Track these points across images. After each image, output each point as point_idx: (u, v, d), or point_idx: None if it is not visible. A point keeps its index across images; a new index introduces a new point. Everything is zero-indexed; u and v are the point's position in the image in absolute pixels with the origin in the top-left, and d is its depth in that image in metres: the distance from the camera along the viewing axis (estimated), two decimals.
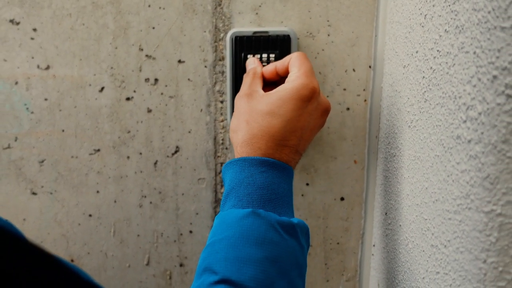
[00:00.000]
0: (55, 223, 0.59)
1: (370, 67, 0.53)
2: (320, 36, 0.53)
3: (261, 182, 0.39)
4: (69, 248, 0.60)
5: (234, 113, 0.45)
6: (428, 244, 0.34)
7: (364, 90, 0.54)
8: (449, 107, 0.30)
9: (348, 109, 0.54)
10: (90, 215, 0.59)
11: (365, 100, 0.54)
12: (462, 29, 0.29)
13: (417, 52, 0.37)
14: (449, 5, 0.31)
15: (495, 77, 0.25)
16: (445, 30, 0.31)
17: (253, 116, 0.42)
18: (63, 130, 0.57)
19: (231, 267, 0.35)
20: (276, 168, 0.40)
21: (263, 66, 0.50)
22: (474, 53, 0.27)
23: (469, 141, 0.27)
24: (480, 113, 0.26)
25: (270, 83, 0.48)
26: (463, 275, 0.28)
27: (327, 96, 0.54)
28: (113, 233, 0.59)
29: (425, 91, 0.35)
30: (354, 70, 0.54)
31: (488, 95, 0.25)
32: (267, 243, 0.36)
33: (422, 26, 0.36)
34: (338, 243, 0.58)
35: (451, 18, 0.30)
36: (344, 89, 0.54)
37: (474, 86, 0.27)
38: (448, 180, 0.30)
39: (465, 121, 0.28)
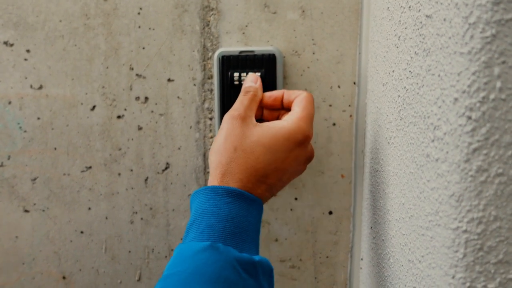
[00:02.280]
0: (47, 240, 0.60)
1: (354, 83, 0.55)
2: (305, 54, 0.55)
3: (225, 214, 0.38)
4: (61, 265, 0.61)
5: (221, 131, 0.42)
6: (406, 259, 0.35)
7: (349, 106, 0.56)
8: (420, 126, 0.32)
9: (334, 124, 0.56)
10: (82, 232, 0.60)
11: (351, 116, 0.56)
12: (429, 52, 0.30)
13: (393, 71, 0.39)
14: (418, 29, 0.32)
15: (456, 99, 0.27)
16: (415, 52, 0.33)
17: (242, 144, 0.41)
18: (55, 148, 0.58)
19: None
20: (244, 200, 0.39)
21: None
22: (439, 75, 0.29)
23: (437, 160, 0.29)
24: (445, 133, 0.28)
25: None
26: None
27: None
28: (105, 250, 0.61)
29: (400, 109, 0.37)
30: (339, 86, 0.55)
31: (451, 116, 0.27)
32: (222, 281, 0.34)
33: (397, 47, 0.38)
34: (327, 257, 0.59)
35: (420, 41, 0.32)
36: (330, 105, 0.56)
37: (440, 107, 0.29)
38: (420, 196, 0.32)
39: (433, 141, 0.30)
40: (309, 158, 0.44)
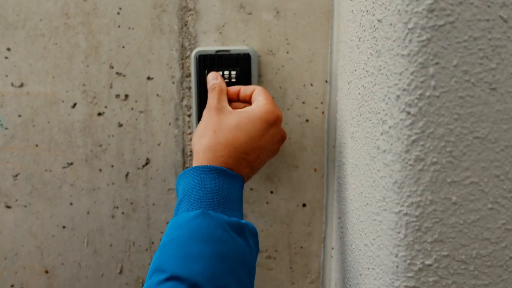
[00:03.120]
0: (29, 235, 0.63)
1: (326, 81, 0.59)
2: (280, 54, 0.59)
3: (211, 187, 0.43)
4: (43, 259, 0.64)
5: (201, 123, 0.50)
6: (363, 243, 0.39)
7: (321, 103, 0.60)
8: (373, 121, 0.36)
9: (307, 120, 0.60)
10: (64, 227, 0.63)
11: (323, 112, 0.60)
12: (380, 53, 0.35)
13: (355, 70, 0.43)
14: (372, 32, 0.37)
15: (398, 96, 0.31)
16: (370, 53, 0.37)
17: (221, 127, 0.47)
18: (36, 145, 0.62)
19: (179, 264, 0.38)
20: (227, 176, 0.45)
21: (225, 82, 0.55)
22: (386, 75, 0.33)
23: (384, 151, 0.33)
24: (390, 127, 0.32)
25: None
26: (383, 269, 0.34)
27: (287, 109, 0.60)
28: (87, 244, 0.64)
29: (360, 106, 0.41)
30: (311, 84, 0.59)
31: (394, 111, 0.31)
32: (215, 241, 0.39)
33: (358, 48, 0.42)
34: (301, 247, 0.63)
35: (373, 43, 0.36)
36: (303, 102, 0.60)
37: (386, 103, 0.33)
38: (373, 185, 0.36)
39: (382, 134, 0.34)
40: (283, 137, 0.51)
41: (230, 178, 0.44)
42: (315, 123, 0.61)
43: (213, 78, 0.54)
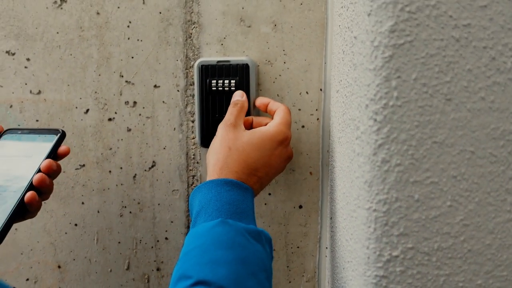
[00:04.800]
0: (44, 232, 0.70)
1: (321, 90, 0.65)
2: (277, 64, 0.65)
3: (227, 198, 0.47)
4: (56, 255, 0.70)
5: (216, 138, 0.55)
6: (345, 239, 0.44)
7: (316, 110, 0.65)
8: (351, 127, 0.42)
9: (303, 126, 0.66)
10: (75, 225, 0.70)
11: (318, 119, 0.65)
12: (356, 67, 0.40)
13: (341, 80, 0.49)
14: (351, 47, 0.42)
15: (367, 105, 0.36)
16: (350, 66, 0.43)
17: (235, 144, 0.52)
18: None
19: (204, 269, 0.40)
20: (240, 188, 0.49)
21: (224, 90, 0.61)
22: (359, 86, 0.38)
23: (358, 154, 0.38)
24: (362, 132, 0.37)
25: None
26: (358, 261, 0.39)
27: None
28: (96, 241, 0.70)
29: (343, 113, 0.46)
30: (307, 92, 0.65)
31: (364, 118, 0.37)
32: (236, 246, 0.42)
33: (343, 60, 0.47)
34: (298, 247, 0.68)
35: (352, 58, 0.42)
36: (299, 109, 0.65)
37: (359, 111, 0.38)
38: (351, 185, 0.41)
39: (356, 138, 0.39)
40: (289, 157, 0.58)
41: (243, 191, 0.49)
42: (310, 129, 0.66)
43: (239, 96, 0.61)
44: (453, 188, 0.35)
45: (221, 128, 0.55)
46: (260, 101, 0.62)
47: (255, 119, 0.61)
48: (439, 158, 0.34)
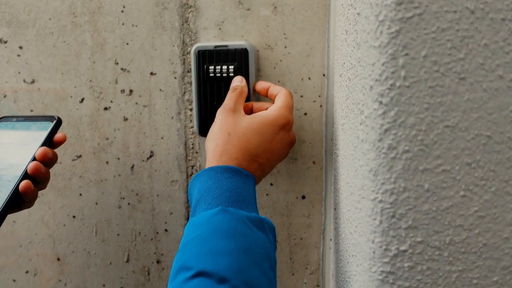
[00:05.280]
0: (42, 224, 0.67)
1: (324, 75, 0.61)
2: (278, 48, 0.61)
3: (228, 186, 0.45)
4: (55, 247, 0.68)
5: (215, 123, 0.52)
6: (349, 232, 0.41)
7: (319, 96, 0.61)
8: (355, 112, 0.38)
9: (305, 114, 0.62)
10: (74, 216, 0.67)
11: (321, 106, 0.61)
12: (359, 46, 0.36)
13: (344, 63, 0.45)
14: (354, 25, 0.38)
15: (371, 87, 0.32)
16: (353, 46, 0.39)
17: (235, 130, 0.49)
18: None
19: (205, 260, 0.38)
20: (240, 175, 0.46)
21: (223, 76, 0.58)
22: (363, 66, 0.34)
23: (362, 141, 0.35)
24: (366, 117, 0.34)
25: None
26: (363, 255, 0.35)
27: None
28: (95, 233, 0.67)
29: (347, 98, 0.43)
30: (309, 78, 0.61)
31: (369, 101, 0.33)
32: (238, 235, 0.40)
33: (346, 41, 0.43)
34: (301, 239, 0.65)
35: (355, 36, 0.38)
36: (301, 96, 0.62)
37: (363, 94, 0.34)
38: (355, 174, 0.38)
39: (360, 124, 0.35)
40: (292, 142, 0.54)
41: (244, 177, 0.46)
42: (313, 116, 0.63)
43: (238, 81, 0.57)
44: (467, 177, 0.31)
45: (220, 113, 0.52)
46: (260, 85, 0.58)
47: (255, 104, 0.58)
48: (451, 143, 0.31)
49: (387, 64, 0.30)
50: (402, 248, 0.32)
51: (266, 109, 0.55)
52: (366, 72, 0.34)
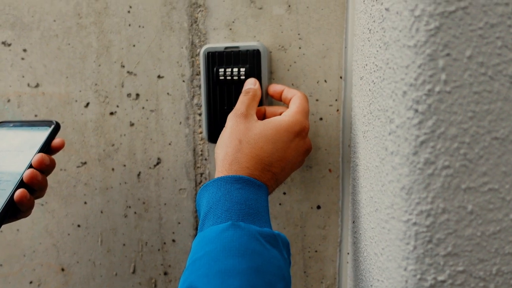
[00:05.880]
0: (46, 233, 0.64)
1: (341, 77, 0.56)
2: (291, 49, 0.56)
3: (238, 198, 0.41)
4: (59, 257, 0.64)
5: (226, 129, 0.47)
6: (373, 252, 0.36)
7: (336, 100, 0.56)
8: (382, 120, 0.33)
9: (321, 119, 0.57)
10: (78, 225, 0.63)
11: (338, 110, 0.56)
12: (388, 46, 0.31)
13: (366, 65, 0.40)
14: (380, 22, 0.33)
15: (405, 92, 0.27)
16: (379, 45, 0.34)
17: (247, 137, 0.45)
18: None
19: (214, 281, 0.34)
20: (252, 186, 0.42)
21: (233, 79, 0.53)
22: (393, 69, 0.29)
23: (392, 153, 0.30)
24: (397, 126, 0.29)
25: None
26: (392, 283, 0.30)
27: None
28: (101, 243, 0.63)
29: (370, 103, 0.38)
30: (325, 81, 0.56)
31: (401, 109, 0.28)
32: (249, 253, 0.36)
33: (369, 40, 0.38)
34: (316, 251, 0.60)
35: (382, 35, 0.33)
36: (317, 100, 0.57)
37: (394, 100, 0.29)
38: (382, 190, 0.33)
39: (389, 134, 0.30)
40: (308, 149, 0.49)
41: (256, 188, 0.42)
42: (329, 121, 0.58)
43: (251, 83, 0.53)
44: None
45: (231, 119, 0.48)
46: (273, 88, 0.53)
47: (268, 109, 0.53)
48: (500, 158, 0.26)
49: (425, 66, 0.25)
50: (440, 278, 0.27)
51: (280, 114, 0.50)
52: (397, 75, 0.29)
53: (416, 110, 0.27)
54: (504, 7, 0.24)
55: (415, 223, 0.28)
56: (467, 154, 0.26)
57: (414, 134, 0.27)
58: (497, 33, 0.25)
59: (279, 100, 0.54)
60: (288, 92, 0.52)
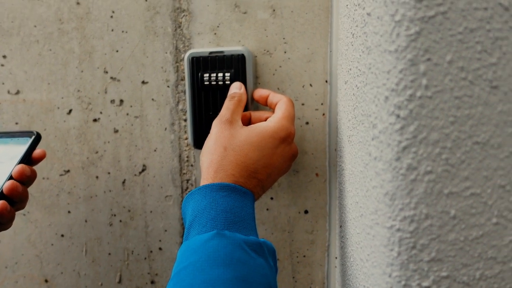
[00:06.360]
0: (28, 244, 0.62)
1: (326, 81, 0.56)
2: (277, 54, 0.56)
3: (224, 206, 0.41)
4: (43, 268, 0.63)
5: (211, 135, 0.47)
6: (359, 258, 0.36)
7: (322, 104, 0.56)
8: (365, 125, 0.33)
9: (307, 123, 0.57)
10: (62, 235, 0.62)
11: (323, 114, 0.57)
12: (370, 50, 0.31)
13: (350, 69, 0.40)
14: (363, 27, 0.33)
15: (387, 97, 0.27)
16: (362, 50, 0.34)
17: (232, 144, 0.45)
18: None
19: None
20: (238, 193, 0.42)
21: (218, 84, 0.53)
22: (375, 74, 0.29)
23: (375, 158, 0.30)
24: (380, 132, 0.29)
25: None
26: None
27: None
28: (85, 252, 0.62)
29: (354, 108, 0.38)
30: (311, 85, 0.56)
31: (383, 114, 0.28)
32: (234, 263, 0.36)
33: (352, 45, 0.39)
34: (304, 256, 0.60)
35: (364, 39, 0.33)
36: (303, 104, 0.57)
37: (376, 105, 0.29)
38: (366, 195, 0.33)
39: (373, 139, 0.30)
40: (294, 155, 0.49)
41: (241, 196, 0.42)
42: (315, 125, 0.58)
43: (237, 88, 0.52)
44: (500, 201, 0.26)
45: (216, 125, 0.47)
46: (258, 93, 0.53)
47: (254, 114, 0.53)
48: (482, 163, 0.26)
49: (406, 71, 0.26)
50: (425, 284, 0.27)
51: (266, 119, 0.50)
52: (379, 80, 0.29)
53: (398, 116, 0.27)
54: (483, 11, 0.25)
55: (399, 229, 0.28)
56: (449, 159, 0.26)
57: (396, 140, 0.27)
58: (477, 38, 0.25)
59: (265, 105, 0.54)
60: (274, 97, 0.51)
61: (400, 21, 0.26)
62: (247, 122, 0.52)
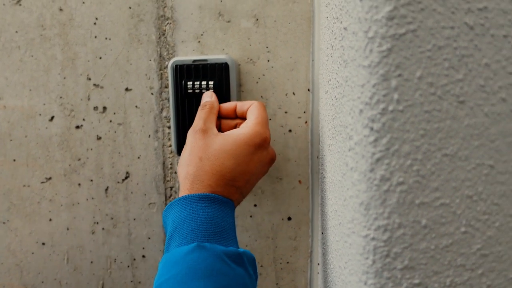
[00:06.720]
0: (8, 252, 0.62)
1: (308, 90, 0.57)
2: (260, 62, 0.57)
3: (204, 217, 0.41)
4: (23, 277, 0.63)
5: (186, 146, 0.47)
6: (338, 265, 0.37)
7: (304, 112, 0.58)
8: (343, 136, 0.34)
9: (290, 131, 0.58)
10: (43, 244, 0.62)
11: (306, 122, 0.58)
12: (347, 64, 0.32)
13: (330, 80, 0.41)
14: (340, 40, 0.34)
15: (361, 110, 0.29)
16: (340, 63, 0.35)
17: (207, 153, 0.45)
18: (14, 160, 0.60)
19: None
20: (218, 203, 0.43)
21: (202, 92, 0.54)
22: (351, 87, 0.31)
23: (351, 169, 0.31)
24: (355, 143, 0.30)
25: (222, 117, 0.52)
26: None
27: (269, 119, 0.58)
28: (67, 261, 0.62)
29: (333, 118, 0.39)
30: (294, 93, 0.57)
31: (358, 126, 0.29)
32: (215, 274, 0.37)
33: (331, 56, 0.40)
34: (288, 262, 0.61)
35: (342, 53, 0.34)
36: (286, 112, 0.58)
37: (352, 117, 0.31)
38: (344, 204, 0.34)
39: (349, 150, 0.32)
40: (272, 159, 0.49)
41: (221, 205, 0.43)
42: (298, 133, 0.59)
43: (208, 96, 0.52)
44: (468, 211, 0.28)
45: (190, 135, 0.48)
46: (223, 109, 0.51)
47: (223, 122, 0.52)
48: (450, 174, 0.27)
49: (378, 86, 0.27)
50: None
51: (236, 125, 0.50)
52: (354, 93, 0.30)
53: (372, 128, 0.28)
54: (450, 30, 0.26)
55: (373, 238, 0.29)
56: (419, 170, 0.28)
57: (370, 152, 0.28)
58: (444, 55, 0.26)
59: (235, 118, 0.52)
60: (244, 105, 0.51)
61: (373, 38, 0.27)
62: (218, 129, 0.52)
